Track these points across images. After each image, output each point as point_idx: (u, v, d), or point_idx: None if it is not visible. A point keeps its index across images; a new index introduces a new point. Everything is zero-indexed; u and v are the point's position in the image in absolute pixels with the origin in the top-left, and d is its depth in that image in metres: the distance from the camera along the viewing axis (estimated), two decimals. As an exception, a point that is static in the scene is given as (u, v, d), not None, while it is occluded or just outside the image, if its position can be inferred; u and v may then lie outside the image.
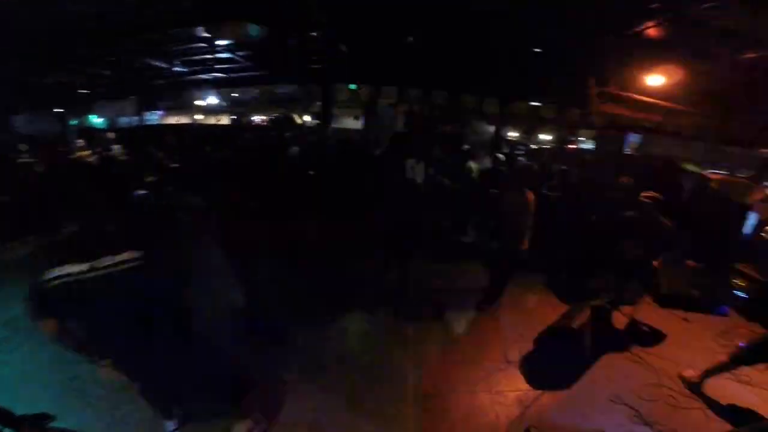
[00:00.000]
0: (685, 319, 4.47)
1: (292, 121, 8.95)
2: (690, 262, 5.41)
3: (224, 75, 5.82)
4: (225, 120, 11.50)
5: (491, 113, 5.67)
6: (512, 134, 11.91)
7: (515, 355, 3.72)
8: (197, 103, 9.09)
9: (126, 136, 7.92)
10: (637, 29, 3.97)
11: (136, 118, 7.23)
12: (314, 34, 4.28)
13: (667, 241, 3.93)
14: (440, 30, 4.37)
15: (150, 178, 7.18)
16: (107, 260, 1.71)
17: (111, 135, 7.81)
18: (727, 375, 3.00)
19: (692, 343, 3.93)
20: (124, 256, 1.74)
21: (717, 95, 5.52)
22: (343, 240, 5.67)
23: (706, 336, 4.10)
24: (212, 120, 11.35)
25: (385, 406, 3.01)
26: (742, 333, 4.01)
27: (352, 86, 5.24)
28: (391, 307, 4.53)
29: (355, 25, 4.37)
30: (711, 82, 5.19)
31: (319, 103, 5.46)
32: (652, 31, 3.96)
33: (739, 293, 4.69)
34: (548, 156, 9.87)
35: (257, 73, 5.59)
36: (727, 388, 3.00)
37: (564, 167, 7.35)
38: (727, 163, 6.65)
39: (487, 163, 6.70)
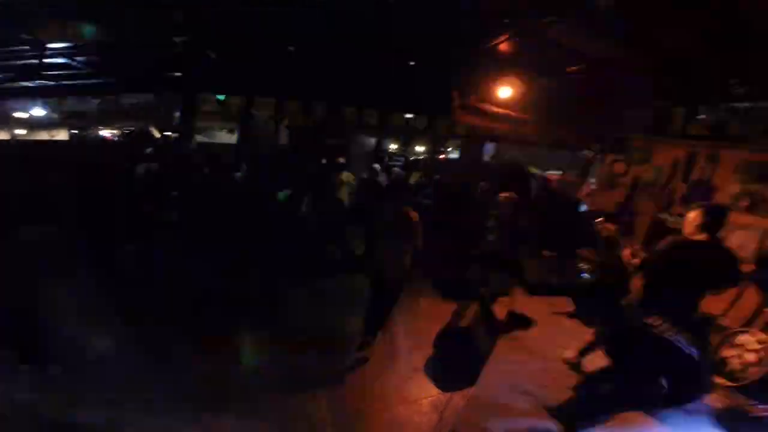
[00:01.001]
0: (551, 304, 5.18)
1: (150, 135, 7.84)
2: (545, 252, 6.35)
3: (55, 83, 4.75)
4: (62, 135, 9.52)
5: (371, 125, 5.81)
6: (392, 146, 12.66)
7: (419, 361, 3.83)
8: (19, 115, 7.27)
9: None
10: (492, 44, 4.46)
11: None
12: (177, 39, 3.81)
13: (523, 235, 4.54)
14: (319, 44, 4.34)
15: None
16: None
17: None
18: (599, 352, 3.38)
19: (563, 325, 4.54)
20: None
21: (551, 105, 6.65)
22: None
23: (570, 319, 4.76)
24: (43, 135, 9.28)
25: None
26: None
27: (220, 97, 4.80)
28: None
29: (227, 31, 4.04)
30: (546, 93, 6.24)
31: (178, 115, 4.85)
32: (503, 46, 4.53)
33: (585, 275, 5.63)
34: (422, 166, 10.75)
35: (102, 81, 4.70)
36: (602, 363, 3.30)
37: (437, 176, 8.04)
38: (561, 164, 8.09)
39: (372, 175, 6.90)
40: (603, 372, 3.09)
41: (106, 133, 10.12)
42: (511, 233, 4.55)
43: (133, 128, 8.42)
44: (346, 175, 6.99)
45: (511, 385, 3.25)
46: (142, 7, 3.47)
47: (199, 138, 8.57)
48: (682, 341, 2.48)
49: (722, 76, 4.82)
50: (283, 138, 9.38)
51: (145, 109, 5.76)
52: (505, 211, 4.48)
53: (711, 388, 3.27)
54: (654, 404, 2.77)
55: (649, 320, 2.54)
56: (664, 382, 2.68)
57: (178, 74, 4.31)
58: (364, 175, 6.62)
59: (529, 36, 4.20)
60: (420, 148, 13.28)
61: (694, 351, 2.48)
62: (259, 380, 3.47)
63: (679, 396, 2.78)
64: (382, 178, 6.56)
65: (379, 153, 8.95)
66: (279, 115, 5.78)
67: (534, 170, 6.89)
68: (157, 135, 7.72)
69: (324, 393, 3.33)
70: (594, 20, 3.70)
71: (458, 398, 3.24)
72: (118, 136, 9.31)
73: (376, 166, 6.69)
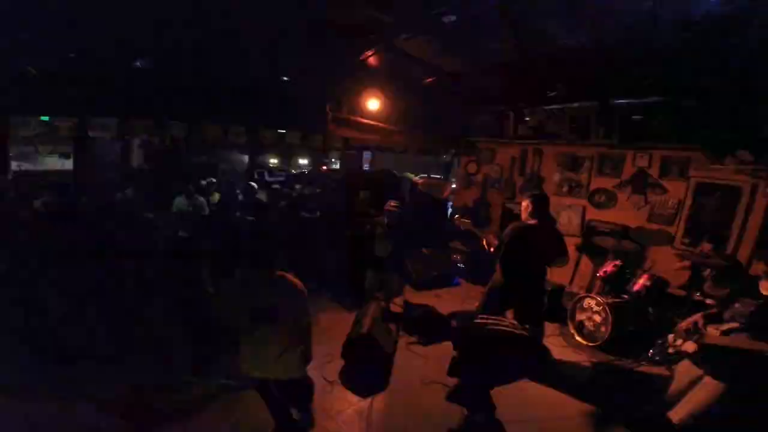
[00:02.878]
0: (437, 296, 5.66)
1: None
2: (425, 250, 6.91)
3: None
4: None
5: (240, 142, 5.48)
6: (273, 161, 12.12)
7: (332, 374, 3.82)
8: None
9: None
10: (361, 58, 4.67)
11: None
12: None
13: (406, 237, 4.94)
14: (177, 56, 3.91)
15: None
16: None
17: None
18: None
19: (450, 311, 4.95)
20: None
21: (413, 114, 7.26)
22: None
23: (456, 304, 5.27)
24: None
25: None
26: (474, 295, 5.40)
27: (44, 118, 3.93)
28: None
29: (58, 44, 3.32)
30: (408, 104, 6.81)
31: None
32: (370, 61, 4.78)
33: (459, 264, 6.30)
34: (305, 179, 10.57)
35: None
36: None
37: (318, 189, 8.00)
38: (426, 168, 8.92)
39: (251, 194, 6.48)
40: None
41: None
42: (396, 238, 4.86)
43: None
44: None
45: (419, 379, 3.48)
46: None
47: (19, 166, 6.83)
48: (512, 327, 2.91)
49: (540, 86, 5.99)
50: (137, 159, 8.12)
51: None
52: (392, 219, 4.76)
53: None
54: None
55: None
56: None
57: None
58: (240, 197, 6.22)
59: (391, 51, 4.53)
60: (303, 161, 13.01)
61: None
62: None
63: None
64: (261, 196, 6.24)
65: (256, 169, 8.46)
66: (126, 135, 4.98)
67: (410, 175, 7.43)
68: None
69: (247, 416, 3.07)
70: (442, 37, 4.20)
71: (378, 402, 3.35)
72: None
73: (254, 184, 6.36)
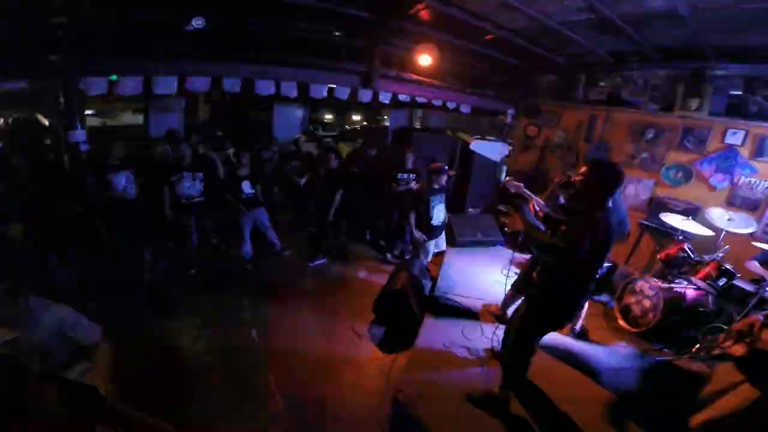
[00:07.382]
0: (472, 256, 5.54)
1: (37, 123, 6.74)
2: (471, 210, 6.75)
3: None
4: None
5: (293, 98, 5.58)
6: (328, 117, 12.26)
7: (362, 327, 3.98)
8: None
9: None
10: (411, 11, 4.42)
11: None
12: (58, 20, 3.29)
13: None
14: (230, 14, 3.98)
15: None
16: None
17: None
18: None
19: (488, 278, 4.88)
20: None
21: (469, 72, 6.84)
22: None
23: (488, 267, 5.15)
24: None
25: (247, 406, 2.92)
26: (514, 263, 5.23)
27: (113, 77, 4.31)
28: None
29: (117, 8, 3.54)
30: (465, 61, 6.40)
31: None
32: (422, 14, 4.51)
33: (506, 228, 6.09)
34: (355, 135, 10.63)
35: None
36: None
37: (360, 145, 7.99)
38: (480, 129, 8.44)
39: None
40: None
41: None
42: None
43: (18, 116, 7.21)
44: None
45: (444, 342, 3.49)
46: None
47: (100, 122, 7.61)
48: None
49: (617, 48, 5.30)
50: (204, 114, 8.64)
51: (32, 96, 4.92)
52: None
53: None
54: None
55: None
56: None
57: (57, 57, 3.73)
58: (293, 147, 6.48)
59: (446, 4, 4.21)
60: (357, 117, 12.93)
61: None
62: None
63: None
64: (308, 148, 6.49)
65: (309, 124, 8.68)
66: (187, 92, 5.30)
67: (461, 135, 7.13)
68: (46, 122, 6.69)
69: (273, 366, 3.37)
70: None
71: (402, 359, 3.44)
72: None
73: (301, 137, 6.54)
